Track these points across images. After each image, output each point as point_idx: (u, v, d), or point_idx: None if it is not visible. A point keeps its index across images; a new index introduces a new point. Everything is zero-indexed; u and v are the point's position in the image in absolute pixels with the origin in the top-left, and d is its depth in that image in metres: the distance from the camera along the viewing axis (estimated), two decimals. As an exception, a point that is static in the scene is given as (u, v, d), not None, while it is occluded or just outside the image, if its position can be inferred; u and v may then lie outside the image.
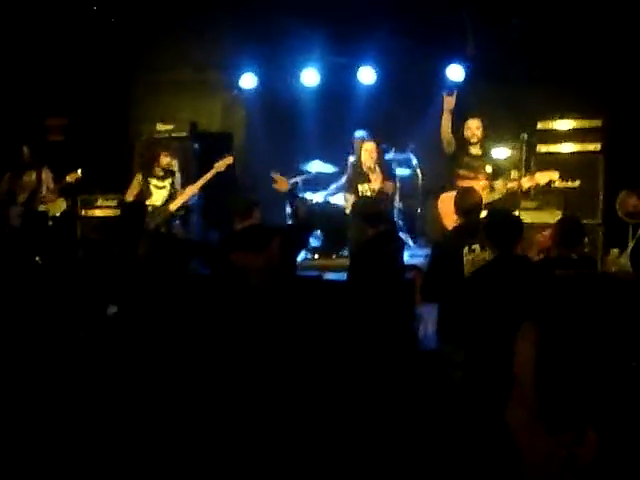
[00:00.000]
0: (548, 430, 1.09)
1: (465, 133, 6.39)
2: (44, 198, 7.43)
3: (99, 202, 7.69)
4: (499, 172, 6.59)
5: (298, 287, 4.69)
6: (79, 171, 7.25)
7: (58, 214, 7.46)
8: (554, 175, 6.19)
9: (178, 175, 6.98)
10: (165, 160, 6.99)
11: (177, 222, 6.84)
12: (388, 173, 7.11)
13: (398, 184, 7.48)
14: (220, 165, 6.80)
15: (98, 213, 7.65)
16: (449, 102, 6.16)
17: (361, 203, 5.66)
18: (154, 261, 4.82)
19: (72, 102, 8.49)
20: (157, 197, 6.84)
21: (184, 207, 6.84)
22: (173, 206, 6.74)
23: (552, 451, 1.09)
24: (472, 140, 6.36)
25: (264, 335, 3.79)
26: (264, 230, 4.60)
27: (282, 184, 5.69)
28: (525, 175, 6.26)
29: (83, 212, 7.65)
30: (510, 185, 6.23)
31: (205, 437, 3.52)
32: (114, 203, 7.60)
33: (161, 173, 6.88)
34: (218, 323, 3.78)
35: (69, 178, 7.30)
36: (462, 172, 6.22)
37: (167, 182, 6.86)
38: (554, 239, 4.75)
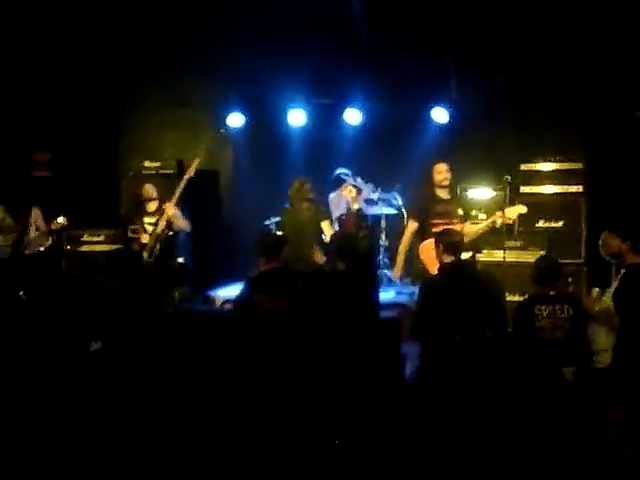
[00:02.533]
0: None
1: (436, 177, 6.31)
2: (33, 240, 7.03)
3: (85, 237, 7.69)
4: (470, 214, 6.69)
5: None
6: (61, 219, 6.86)
7: (42, 249, 7.38)
8: (522, 209, 6.19)
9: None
10: (148, 193, 7.00)
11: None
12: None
13: (383, 223, 7.55)
14: (190, 171, 6.79)
15: (84, 248, 7.64)
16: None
17: (336, 237, 5.74)
18: (140, 295, 4.82)
19: (59, 137, 8.51)
20: (149, 231, 6.88)
21: (170, 228, 6.81)
22: (159, 229, 6.76)
23: None
24: (443, 183, 6.31)
25: (275, 374, 3.75)
26: (289, 274, 4.50)
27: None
28: (495, 214, 6.17)
29: (69, 247, 7.64)
30: (481, 226, 6.25)
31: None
32: (101, 238, 7.59)
33: (152, 209, 6.93)
34: (233, 363, 3.74)
35: (53, 226, 6.92)
36: (435, 221, 6.17)
37: (158, 215, 6.88)
38: (531, 278, 4.82)
